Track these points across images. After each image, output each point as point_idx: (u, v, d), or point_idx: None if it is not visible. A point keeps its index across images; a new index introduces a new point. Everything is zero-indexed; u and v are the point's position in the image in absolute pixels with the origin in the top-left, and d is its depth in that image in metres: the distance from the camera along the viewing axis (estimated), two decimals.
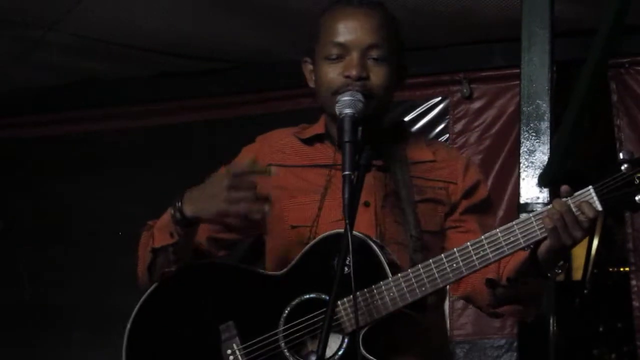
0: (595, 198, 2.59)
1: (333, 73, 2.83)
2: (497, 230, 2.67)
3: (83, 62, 5.26)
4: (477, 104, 4.93)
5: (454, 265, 2.68)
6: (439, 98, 5.02)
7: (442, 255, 2.70)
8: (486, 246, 2.66)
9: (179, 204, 2.77)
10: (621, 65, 4.67)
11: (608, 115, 4.70)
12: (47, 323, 5.45)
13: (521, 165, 4.28)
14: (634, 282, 4.64)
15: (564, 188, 2.63)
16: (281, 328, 2.77)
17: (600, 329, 6.88)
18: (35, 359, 5.47)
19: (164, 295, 2.91)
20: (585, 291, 6.89)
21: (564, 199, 2.61)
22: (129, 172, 5.42)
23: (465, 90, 4.92)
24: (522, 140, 4.25)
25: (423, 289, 2.70)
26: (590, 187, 2.59)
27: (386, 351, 2.74)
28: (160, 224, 2.86)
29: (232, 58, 5.18)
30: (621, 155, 2.58)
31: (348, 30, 2.83)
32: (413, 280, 2.70)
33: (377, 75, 2.82)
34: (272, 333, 2.79)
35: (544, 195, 4.25)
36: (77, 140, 5.58)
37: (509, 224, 2.66)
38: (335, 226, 2.74)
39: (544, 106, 4.18)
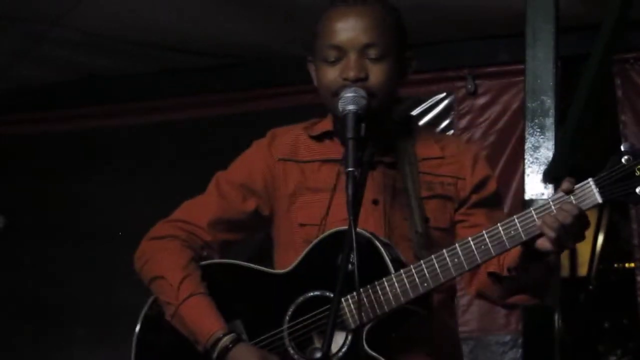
0: (595, 190, 2.57)
1: (332, 75, 2.81)
2: (499, 224, 2.65)
3: (87, 58, 5.25)
4: (481, 100, 4.92)
5: (456, 260, 2.67)
6: (444, 94, 5.01)
7: (444, 250, 2.68)
8: (487, 240, 2.64)
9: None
10: (626, 61, 4.66)
11: (613, 111, 4.69)
12: (50, 320, 5.44)
13: (526, 161, 4.27)
14: (639, 278, 4.63)
15: (566, 185, 2.60)
16: (286, 325, 2.78)
17: (606, 324, 6.88)
18: (38, 357, 5.46)
19: None
20: (591, 287, 6.89)
21: (563, 199, 2.60)
22: (133, 169, 5.41)
23: (470, 86, 4.91)
24: (527, 136, 4.24)
25: (425, 284, 2.68)
26: (590, 179, 2.58)
27: (392, 349, 2.73)
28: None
29: (236, 54, 5.17)
30: (622, 148, 2.60)
31: (343, 32, 2.81)
32: (415, 276, 2.68)
33: (377, 74, 2.80)
34: (277, 330, 2.80)
35: (548, 191, 4.23)
36: (80, 137, 5.56)
37: (510, 218, 2.64)
38: (344, 224, 2.72)
39: (549, 102, 4.17)
